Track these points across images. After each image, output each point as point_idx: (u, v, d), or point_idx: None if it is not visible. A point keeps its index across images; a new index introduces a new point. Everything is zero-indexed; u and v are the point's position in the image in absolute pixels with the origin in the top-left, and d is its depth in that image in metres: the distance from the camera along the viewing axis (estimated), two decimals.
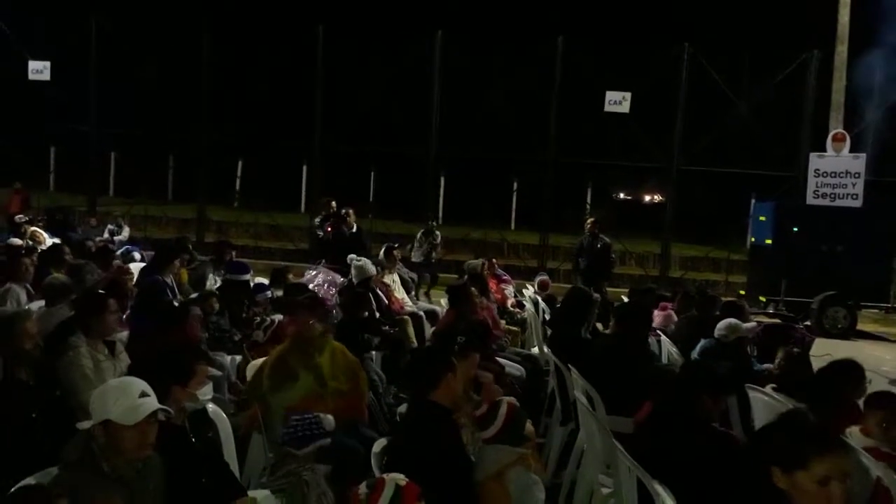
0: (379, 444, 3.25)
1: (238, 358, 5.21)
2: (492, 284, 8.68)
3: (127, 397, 2.48)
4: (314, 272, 7.91)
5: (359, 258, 7.45)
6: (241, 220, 18.09)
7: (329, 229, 9.41)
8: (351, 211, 9.89)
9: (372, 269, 7.26)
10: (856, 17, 14.14)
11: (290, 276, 7.38)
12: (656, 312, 7.83)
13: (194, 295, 6.24)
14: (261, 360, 4.35)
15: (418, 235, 11.85)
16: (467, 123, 16.47)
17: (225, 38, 16.54)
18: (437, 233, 12.07)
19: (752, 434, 2.59)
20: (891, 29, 14.27)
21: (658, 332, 7.01)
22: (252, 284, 6.38)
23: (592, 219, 11.06)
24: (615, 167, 17.77)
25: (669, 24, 20.14)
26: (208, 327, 5.30)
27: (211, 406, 3.53)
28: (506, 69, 16.63)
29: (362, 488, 2.53)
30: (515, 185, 19.42)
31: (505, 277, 9.54)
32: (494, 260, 9.99)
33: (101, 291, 4.55)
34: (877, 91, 15.16)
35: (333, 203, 10.19)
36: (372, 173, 19.47)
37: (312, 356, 4.05)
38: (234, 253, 8.16)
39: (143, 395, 2.52)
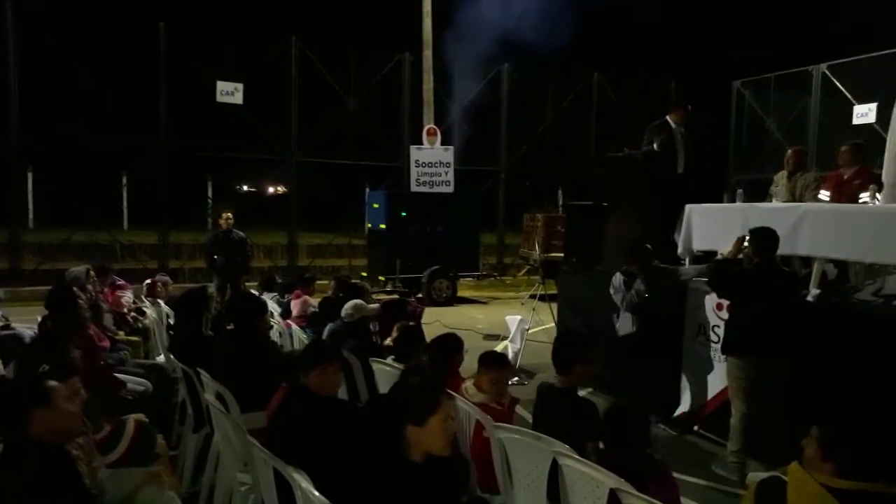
0: None
1: None
2: (107, 294, 7.80)
3: None
4: None
5: None
6: None
7: None
8: None
9: None
10: (439, 25, 16.32)
11: None
12: (293, 301, 8.03)
13: None
14: None
15: None
16: (57, 109, 14.30)
17: None
18: None
19: (382, 408, 2.89)
20: (465, 39, 16.92)
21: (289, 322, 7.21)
22: None
23: (229, 212, 10.61)
24: (235, 160, 17.40)
25: (280, 17, 20.41)
26: None
27: None
28: (104, 54, 14.77)
29: None
30: (125, 179, 17.66)
31: (121, 283, 8.59)
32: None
33: None
34: (456, 91, 17.86)
35: None
36: None
37: None
38: None
39: None
